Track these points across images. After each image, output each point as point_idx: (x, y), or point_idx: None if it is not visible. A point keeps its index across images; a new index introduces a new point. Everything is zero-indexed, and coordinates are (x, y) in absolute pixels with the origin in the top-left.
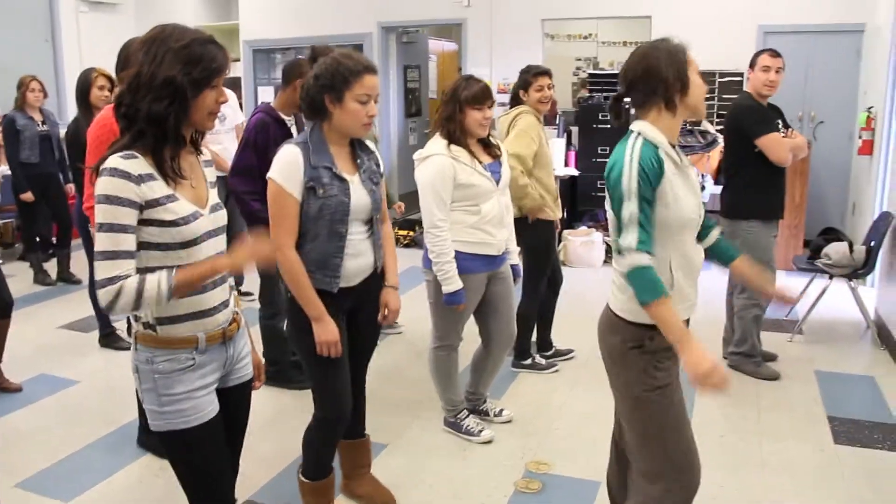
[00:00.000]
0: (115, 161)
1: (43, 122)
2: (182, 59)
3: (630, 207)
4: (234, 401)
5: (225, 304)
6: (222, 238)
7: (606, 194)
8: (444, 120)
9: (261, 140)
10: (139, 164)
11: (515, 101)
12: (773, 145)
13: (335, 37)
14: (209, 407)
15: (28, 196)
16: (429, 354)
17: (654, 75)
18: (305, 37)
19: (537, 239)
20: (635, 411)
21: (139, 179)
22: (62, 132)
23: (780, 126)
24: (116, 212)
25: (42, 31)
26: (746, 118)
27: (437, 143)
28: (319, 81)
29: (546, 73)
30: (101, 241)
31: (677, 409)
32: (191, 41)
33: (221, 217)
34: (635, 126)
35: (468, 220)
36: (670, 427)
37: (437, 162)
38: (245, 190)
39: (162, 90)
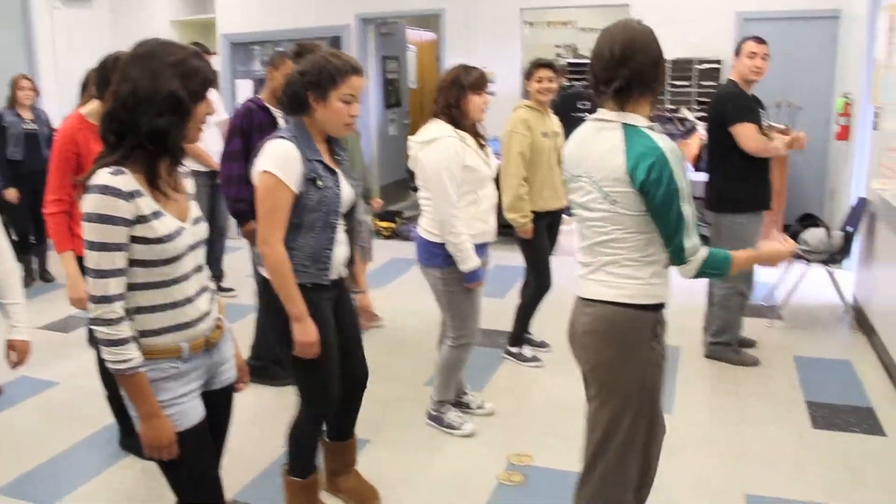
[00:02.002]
0: (104, 178)
1: (32, 121)
2: (180, 73)
3: (690, 209)
4: (217, 403)
5: (207, 313)
6: (201, 251)
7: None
8: (446, 107)
9: (245, 124)
10: (128, 181)
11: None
12: (746, 134)
13: (313, 29)
14: (194, 412)
15: (11, 193)
16: (444, 351)
17: (658, 63)
18: (283, 29)
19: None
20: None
21: (129, 196)
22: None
23: (762, 118)
24: (108, 231)
25: (16, 26)
26: (728, 104)
27: (442, 126)
28: (305, 78)
29: (547, 65)
30: (93, 260)
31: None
32: (186, 55)
33: (202, 230)
34: (636, 120)
35: (469, 212)
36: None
37: (448, 144)
38: (234, 174)
39: (164, 105)
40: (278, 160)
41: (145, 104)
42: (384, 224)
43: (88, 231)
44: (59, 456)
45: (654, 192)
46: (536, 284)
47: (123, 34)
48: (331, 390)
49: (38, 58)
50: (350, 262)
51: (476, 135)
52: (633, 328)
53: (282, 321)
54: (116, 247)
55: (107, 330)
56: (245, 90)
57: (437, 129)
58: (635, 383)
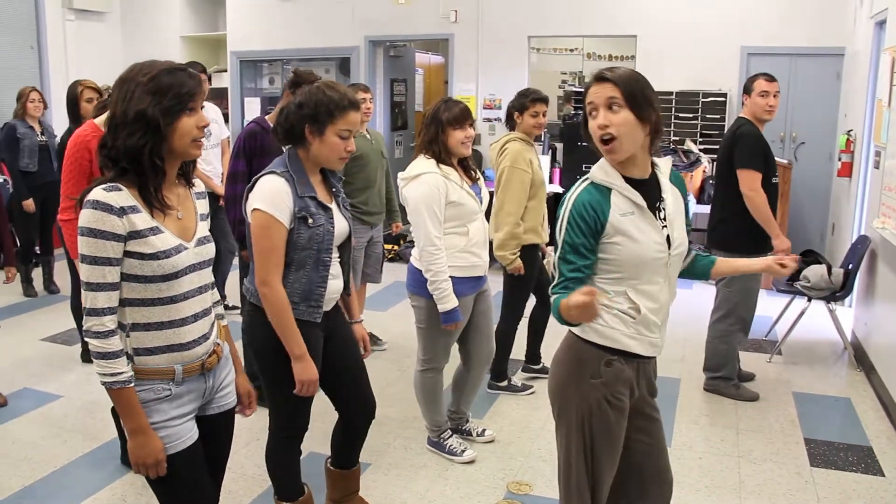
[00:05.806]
0: (97, 193)
1: (42, 133)
2: (150, 91)
3: (562, 264)
4: (215, 429)
5: (205, 336)
6: (207, 272)
7: None
8: (427, 142)
9: (249, 146)
10: (122, 197)
11: (510, 120)
12: (750, 181)
13: (323, 49)
14: (187, 434)
15: (29, 203)
16: (414, 377)
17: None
18: (293, 48)
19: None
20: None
21: (122, 212)
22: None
23: (774, 174)
24: (100, 245)
25: (27, 38)
26: (740, 145)
27: (425, 162)
28: (303, 110)
29: (544, 100)
30: (86, 273)
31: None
32: (158, 72)
33: (208, 251)
34: (596, 167)
35: (459, 244)
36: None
37: (429, 180)
38: (238, 194)
39: (135, 124)
40: (270, 197)
41: (120, 126)
42: (388, 246)
43: (81, 245)
44: (61, 470)
45: None
46: (509, 317)
47: (134, 48)
48: (303, 414)
49: (49, 69)
50: (345, 293)
51: (466, 168)
52: (576, 359)
53: (263, 342)
54: (107, 261)
55: (97, 342)
56: (253, 107)
57: (420, 165)
58: (576, 417)
